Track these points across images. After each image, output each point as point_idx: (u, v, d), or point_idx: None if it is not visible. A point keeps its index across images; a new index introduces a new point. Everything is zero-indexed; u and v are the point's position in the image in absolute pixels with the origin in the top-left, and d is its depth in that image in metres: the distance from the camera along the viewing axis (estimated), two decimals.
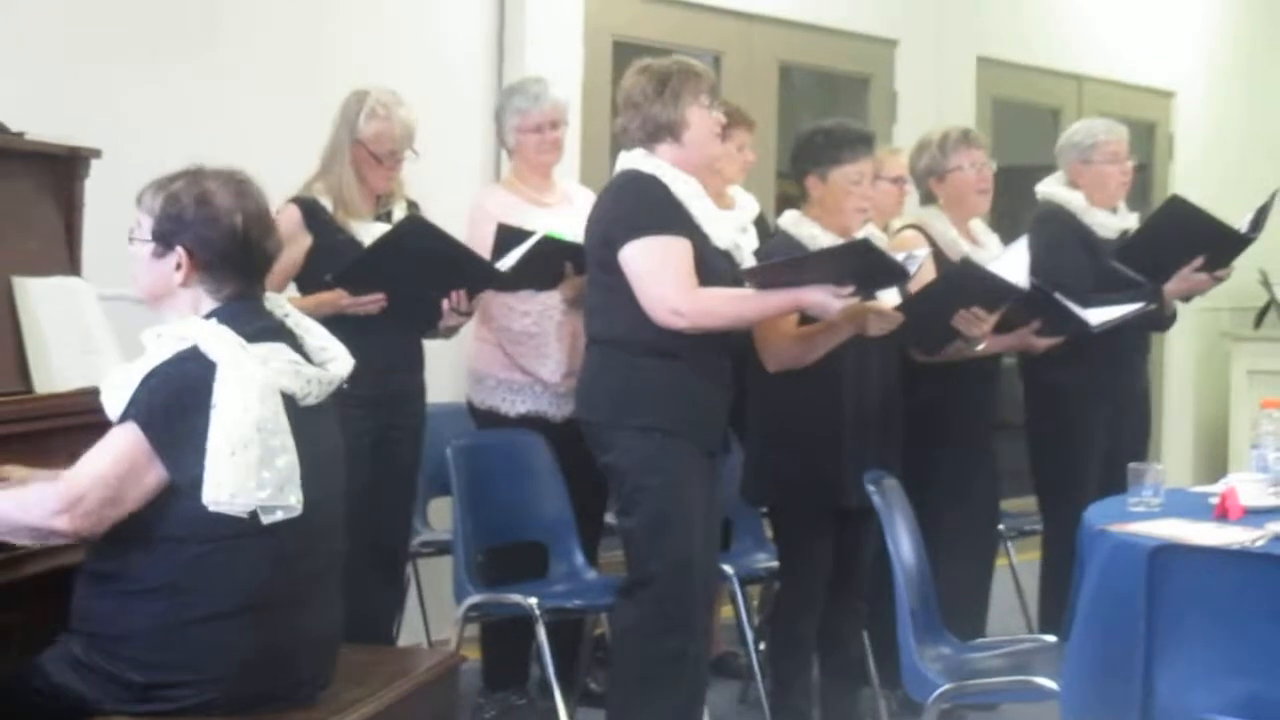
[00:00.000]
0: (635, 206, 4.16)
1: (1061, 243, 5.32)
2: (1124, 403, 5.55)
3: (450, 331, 4.77)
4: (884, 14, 7.56)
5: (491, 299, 4.91)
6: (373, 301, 4.48)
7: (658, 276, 4.10)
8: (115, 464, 3.02)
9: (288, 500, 3.05)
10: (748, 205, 5.13)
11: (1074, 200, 5.47)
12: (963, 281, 4.70)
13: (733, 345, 4.34)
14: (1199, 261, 5.28)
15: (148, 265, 3.16)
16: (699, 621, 4.23)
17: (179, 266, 3.12)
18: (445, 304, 4.55)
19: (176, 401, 3.01)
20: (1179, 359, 9.07)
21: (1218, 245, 5.28)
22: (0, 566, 3.21)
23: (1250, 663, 3.16)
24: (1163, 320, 5.56)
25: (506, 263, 4.59)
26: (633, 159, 4.26)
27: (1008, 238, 5.26)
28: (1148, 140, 9.01)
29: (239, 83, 5.23)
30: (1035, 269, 4.72)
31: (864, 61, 7.61)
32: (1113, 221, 5.49)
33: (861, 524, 4.54)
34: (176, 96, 5.04)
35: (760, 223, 5.35)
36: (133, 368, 3.08)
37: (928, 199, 5.30)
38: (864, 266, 4.14)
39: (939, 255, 5.03)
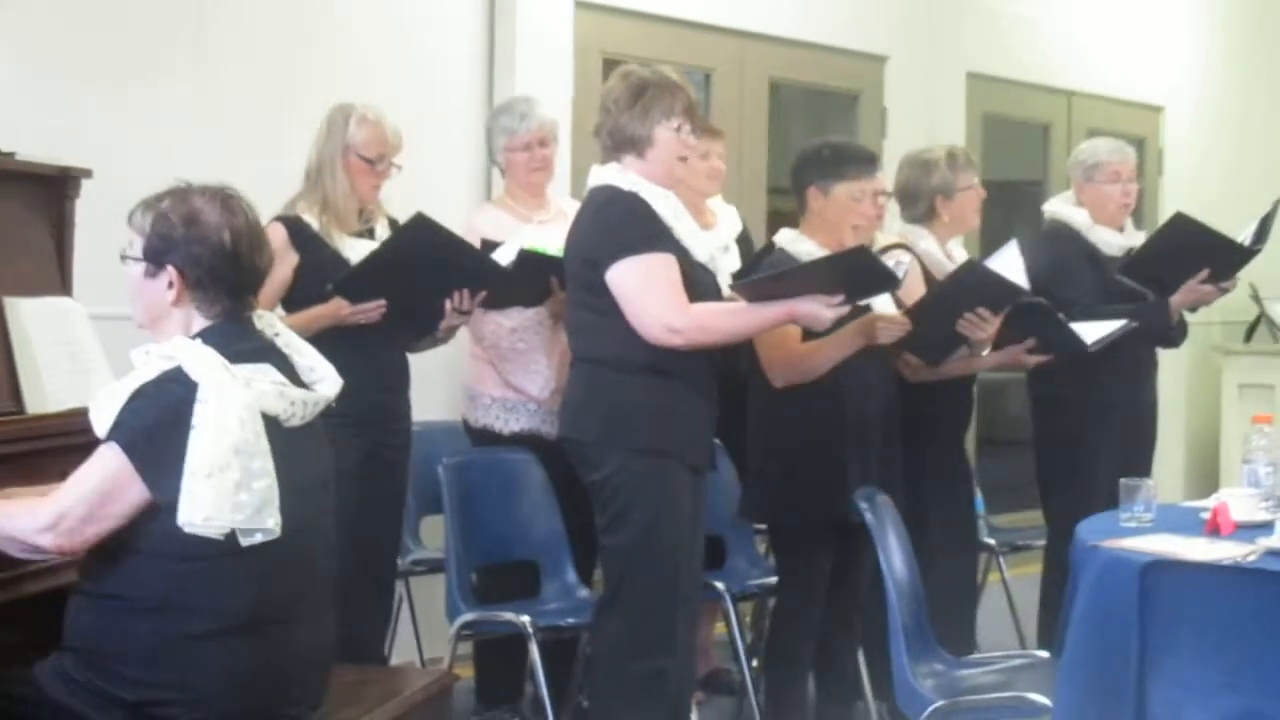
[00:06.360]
0: (619, 225, 4.10)
1: (1066, 258, 5.39)
2: (1131, 417, 5.56)
3: (449, 333, 4.76)
4: (874, 31, 7.56)
5: (481, 317, 4.90)
6: (374, 308, 4.47)
7: (649, 295, 4.05)
8: (98, 483, 3.03)
9: (265, 523, 3.04)
10: (730, 222, 5.09)
11: (1078, 217, 5.54)
12: (969, 283, 4.71)
13: (718, 362, 4.30)
14: (1204, 274, 5.33)
15: (140, 286, 3.16)
16: (679, 640, 4.21)
17: (171, 285, 3.13)
18: (448, 304, 4.53)
19: (158, 422, 3.02)
20: (1170, 373, 9.00)
21: (1222, 258, 5.34)
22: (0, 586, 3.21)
23: (1243, 679, 3.16)
24: (1171, 335, 5.61)
25: (504, 256, 4.58)
26: (608, 174, 4.20)
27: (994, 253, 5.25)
28: (1137, 155, 8.99)
29: (227, 102, 5.24)
30: (1040, 286, 4.73)
31: (854, 78, 7.61)
32: (1117, 239, 5.56)
33: (860, 539, 4.51)
34: (166, 116, 5.04)
35: (744, 239, 5.33)
36: (119, 386, 3.09)
37: (924, 216, 5.23)
38: (855, 275, 4.12)
39: (925, 273, 5.03)
